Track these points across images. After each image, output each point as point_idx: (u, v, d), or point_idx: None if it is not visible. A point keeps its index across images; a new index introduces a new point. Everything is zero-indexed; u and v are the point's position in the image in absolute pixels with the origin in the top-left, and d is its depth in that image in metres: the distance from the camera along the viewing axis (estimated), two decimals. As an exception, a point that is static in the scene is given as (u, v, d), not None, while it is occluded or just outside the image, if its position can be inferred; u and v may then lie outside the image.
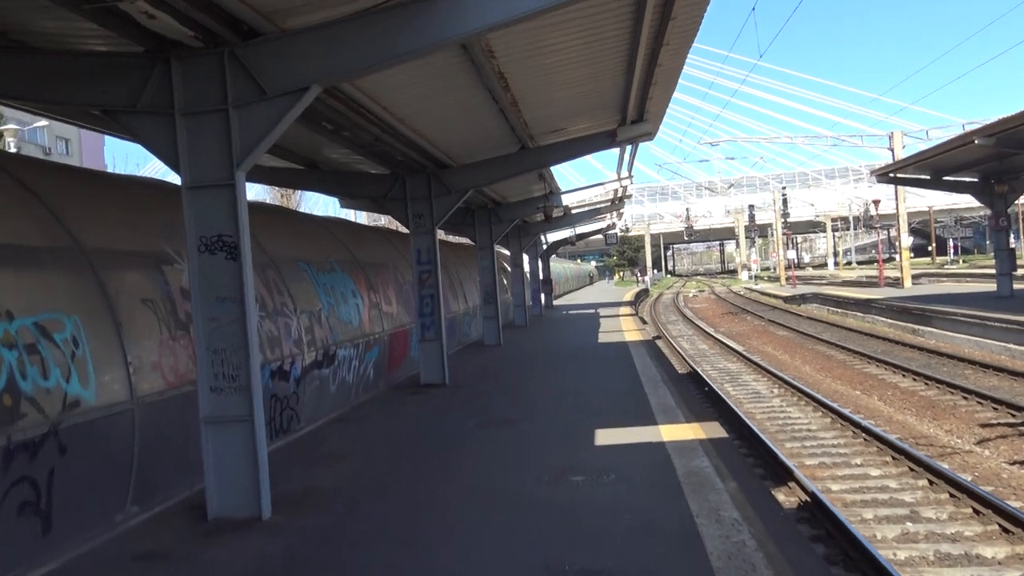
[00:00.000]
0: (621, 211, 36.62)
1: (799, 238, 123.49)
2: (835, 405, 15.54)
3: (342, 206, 21.84)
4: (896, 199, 37.48)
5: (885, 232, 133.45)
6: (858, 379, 19.11)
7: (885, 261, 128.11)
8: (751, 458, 11.24)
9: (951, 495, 9.72)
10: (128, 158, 68.49)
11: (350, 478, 7.94)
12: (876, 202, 45.07)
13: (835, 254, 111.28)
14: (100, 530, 6.27)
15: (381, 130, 10.71)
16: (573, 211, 30.59)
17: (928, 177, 27.69)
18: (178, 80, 6.49)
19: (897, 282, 43.37)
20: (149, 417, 6.88)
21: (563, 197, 21.88)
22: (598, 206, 30.04)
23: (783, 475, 10.85)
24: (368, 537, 6.17)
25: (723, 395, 16.74)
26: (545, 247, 38.77)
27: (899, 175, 27.72)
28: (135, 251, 7.60)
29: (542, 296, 41.45)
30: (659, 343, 28.20)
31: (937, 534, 8.44)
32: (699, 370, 21.30)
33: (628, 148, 17.94)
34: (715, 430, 9.39)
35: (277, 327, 9.81)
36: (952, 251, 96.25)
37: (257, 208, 13.38)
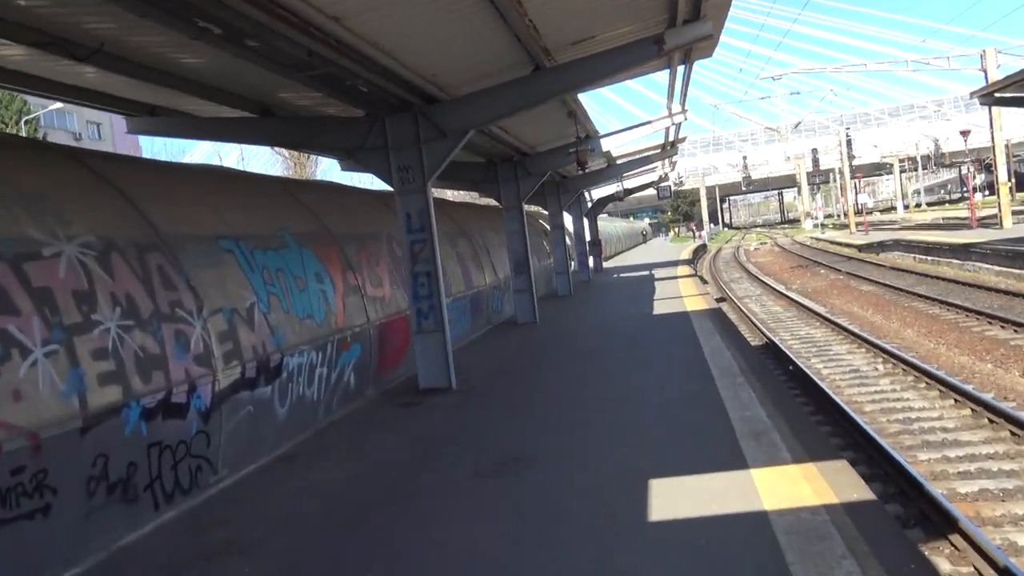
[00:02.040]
0: (673, 159, 32.51)
1: (861, 182, 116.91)
2: (970, 388, 11.73)
3: (342, 169, 18.50)
4: (991, 127, 32.50)
5: (957, 170, 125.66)
6: (983, 347, 15.13)
7: (956, 200, 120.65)
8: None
9: None
10: (169, 144, 65.93)
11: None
12: (966, 133, 39.84)
13: (903, 196, 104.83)
14: None
15: (311, 38, 7.20)
16: (618, 161, 26.75)
17: (1042, 95, 23.07)
18: None
19: (991, 222, 38.43)
20: None
21: (603, 142, 18.16)
22: (647, 154, 26.12)
23: (938, 522, 7.19)
24: None
25: (816, 378, 13.01)
26: (590, 204, 34.94)
27: (1006, 95, 23.12)
28: None
29: (590, 259, 37.73)
30: (724, 307, 24.44)
31: None
32: (776, 340, 17.56)
33: (680, 71, 14.07)
34: (846, 482, 5.69)
35: (157, 340, 6.46)
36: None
37: (150, 166, 10.06)
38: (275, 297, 8.63)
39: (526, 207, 34.55)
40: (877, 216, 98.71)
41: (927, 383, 12.68)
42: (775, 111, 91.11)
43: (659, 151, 25.22)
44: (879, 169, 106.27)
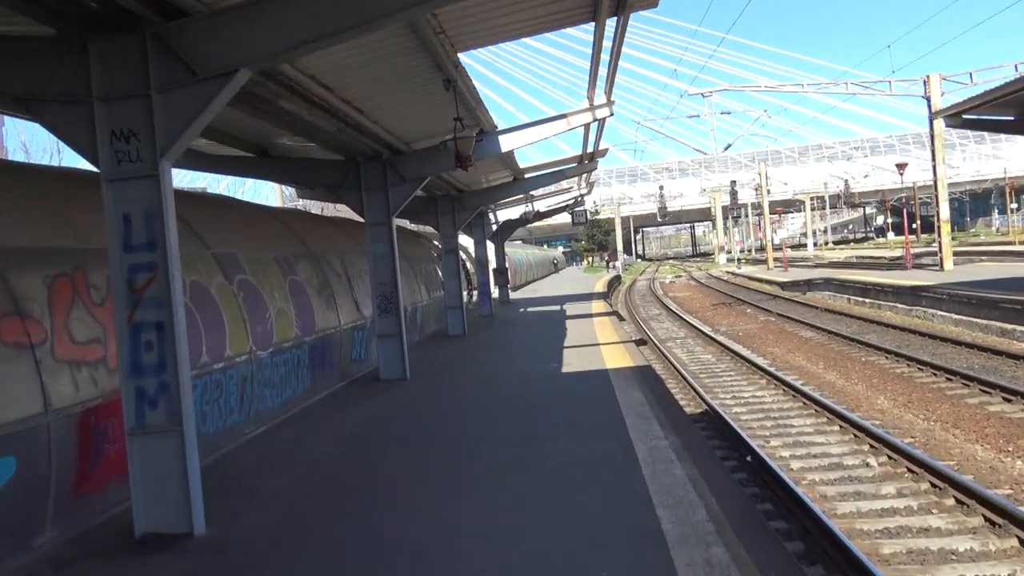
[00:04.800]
0: (591, 179, 28.40)
1: (774, 218, 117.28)
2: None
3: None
4: (933, 158, 29.68)
5: (862, 210, 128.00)
6: (995, 430, 11.29)
7: (861, 240, 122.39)
8: None
9: None
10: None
11: None
12: (901, 166, 37.33)
13: (814, 234, 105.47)
14: None
15: None
16: (527, 176, 22.38)
17: (1013, 118, 19.92)
18: None
19: (926, 263, 35.89)
20: None
21: (503, 141, 13.65)
22: (561, 167, 21.83)
23: None
24: None
25: (790, 482, 8.65)
26: (495, 227, 30.44)
27: (974, 116, 19.87)
28: None
29: (494, 290, 33.18)
30: (645, 351, 20.29)
31: None
32: (717, 407, 13.38)
33: (609, 30, 9.66)
34: None
35: None
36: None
37: None
38: None
39: (408, 225, 29.73)
40: (789, 252, 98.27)
41: (956, 498, 8.57)
42: (692, 146, 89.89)
43: (575, 164, 20.92)
44: (789, 206, 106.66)
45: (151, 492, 6.01)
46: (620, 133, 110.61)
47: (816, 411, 13.10)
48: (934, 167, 29.39)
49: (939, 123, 29.52)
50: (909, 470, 9.68)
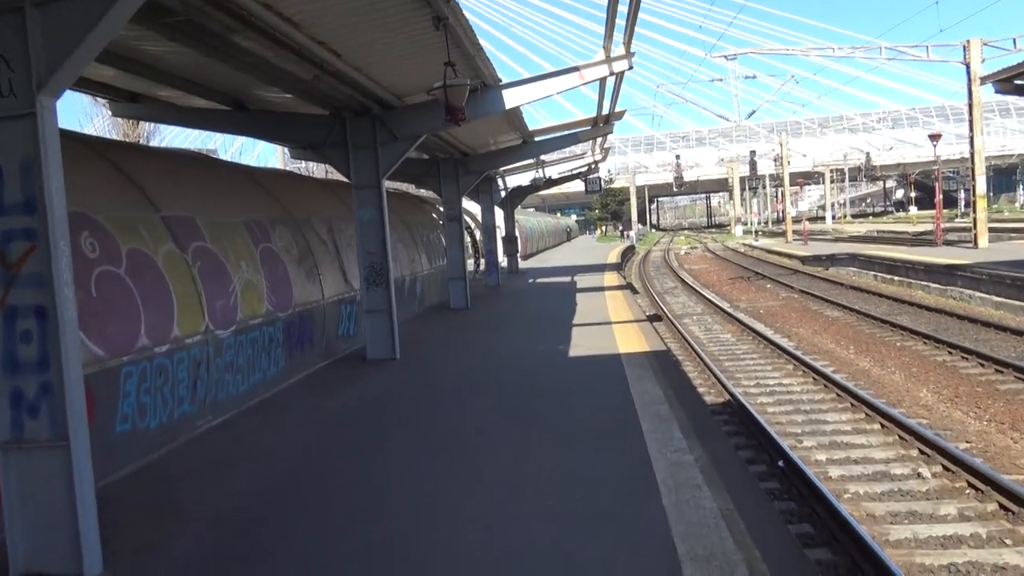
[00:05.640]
0: (606, 145, 26.73)
1: (791, 191, 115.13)
2: None
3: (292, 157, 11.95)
4: (971, 129, 27.79)
5: (882, 183, 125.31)
6: (1066, 436, 9.85)
7: (880, 214, 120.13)
8: None
9: None
10: None
11: None
12: (935, 137, 35.34)
13: (832, 207, 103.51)
14: None
15: None
16: (538, 138, 20.80)
17: (1071, 83, 18.17)
18: None
19: (956, 239, 34.14)
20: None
21: (507, 95, 12.09)
22: (575, 130, 20.23)
23: None
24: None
25: (835, 503, 7.22)
26: (504, 193, 28.90)
27: (1028, 81, 18.11)
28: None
29: (503, 259, 31.76)
30: (660, 327, 18.95)
31: None
32: (739, 396, 12.07)
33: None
34: None
35: None
36: (963, 204, 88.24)
37: None
38: None
39: (411, 190, 28.20)
40: (807, 225, 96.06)
41: (1035, 528, 7.17)
42: (714, 113, 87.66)
43: (589, 127, 19.31)
44: (808, 178, 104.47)
45: (31, 523, 4.67)
46: (637, 100, 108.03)
47: (852, 404, 11.72)
48: (971, 138, 27.54)
49: (978, 91, 27.69)
50: (971, 485, 8.27)
